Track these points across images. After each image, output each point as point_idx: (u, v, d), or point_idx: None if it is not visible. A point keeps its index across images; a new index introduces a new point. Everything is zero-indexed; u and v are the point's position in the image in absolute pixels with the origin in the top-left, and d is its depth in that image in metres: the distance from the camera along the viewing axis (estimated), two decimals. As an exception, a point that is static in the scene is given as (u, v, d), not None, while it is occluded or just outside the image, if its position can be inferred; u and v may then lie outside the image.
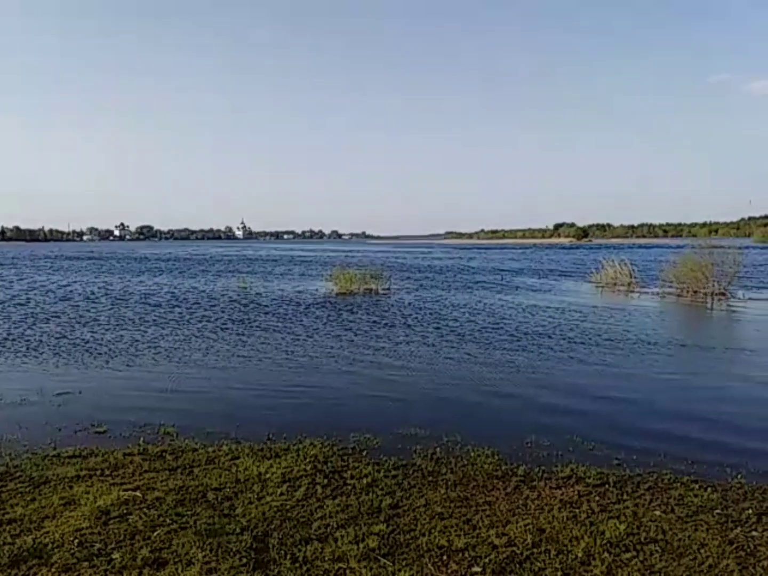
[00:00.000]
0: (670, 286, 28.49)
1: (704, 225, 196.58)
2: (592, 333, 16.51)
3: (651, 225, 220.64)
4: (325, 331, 17.02)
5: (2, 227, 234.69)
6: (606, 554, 4.82)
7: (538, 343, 15.01)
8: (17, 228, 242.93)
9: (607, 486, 6.32)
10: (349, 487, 6.22)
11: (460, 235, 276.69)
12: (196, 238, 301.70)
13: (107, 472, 6.62)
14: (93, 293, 28.79)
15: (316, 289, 29.99)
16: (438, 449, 7.43)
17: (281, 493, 6.01)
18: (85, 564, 4.64)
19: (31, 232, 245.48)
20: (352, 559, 4.73)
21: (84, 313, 21.32)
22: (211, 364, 12.82)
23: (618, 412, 9.43)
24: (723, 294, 26.19)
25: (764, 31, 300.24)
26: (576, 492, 6.14)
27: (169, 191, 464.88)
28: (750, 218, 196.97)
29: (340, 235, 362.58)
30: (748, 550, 4.96)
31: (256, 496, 5.94)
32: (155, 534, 5.13)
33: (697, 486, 6.31)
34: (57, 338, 15.87)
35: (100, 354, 13.77)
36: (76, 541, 4.99)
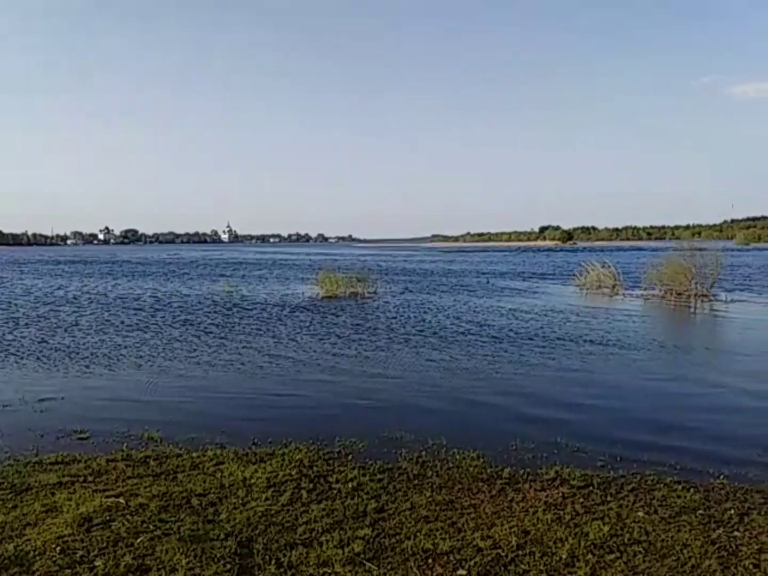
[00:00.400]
0: (654, 289, 28.73)
1: (687, 228, 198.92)
2: (574, 335, 16.60)
3: (635, 228, 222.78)
4: (309, 335, 16.98)
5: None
6: (590, 555, 4.85)
7: (520, 346, 15.08)
8: (0, 232, 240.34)
9: (591, 487, 6.35)
10: (335, 492, 6.20)
11: (447, 238, 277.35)
12: (182, 242, 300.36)
13: (90, 479, 6.56)
14: (75, 297, 28.56)
15: (302, 293, 29.93)
16: (423, 453, 7.43)
17: (266, 498, 5.99)
18: (68, 571, 4.59)
19: (14, 236, 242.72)
20: (337, 563, 4.72)
21: (66, 317, 21.14)
22: (194, 368, 12.75)
23: (602, 414, 9.49)
24: (706, 296, 26.47)
25: (751, 35, 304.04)
26: (560, 494, 6.17)
27: (154, 195, 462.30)
28: (732, 221, 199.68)
29: (326, 239, 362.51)
30: (730, 550, 5.00)
31: (240, 502, 5.91)
32: (138, 540, 5.09)
33: (680, 487, 6.36)
34: (38, 343, 15.73)
35: (83, 359, 13.66)
36: (59, 548, 4.94)
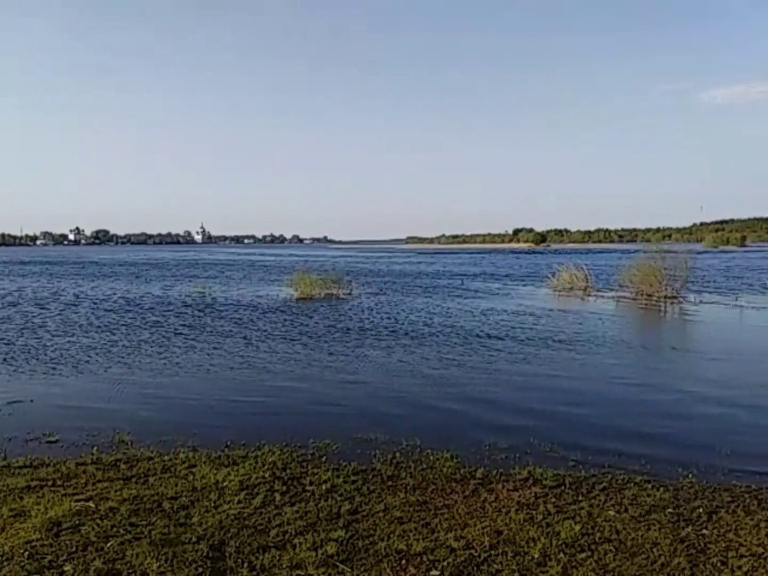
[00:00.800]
0: (625, 290, 29.12)
1: (658, 230, 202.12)
2: (544, 336, 16.77)
3: (607, 230, 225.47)
4: (282, 337, 16.91)
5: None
6: (562, 555, 4.89)
7: (490, 347, 15.20)
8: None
9: (563, 487, 6.41)
10: (308, 494, 6.18)
11: (422, 240, 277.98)
12: (154, 243, 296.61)
13: (59, 483, 6.46)
14: (43, 298, 28.06)
15: (276, 294, 29.78)
16: (397, 454, 7.44)
17: (239, 501, 5.95)
18: (35, 577, 4.51)
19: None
20: (310, 566, 4.70)
21: (33, 319, 20.76)
22: (164, 370, 12.61)
23: (573, 414, 9.58)
24: (675, 297, 26.90)
25: (720, 42, 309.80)
26: (533, 493, 6.22)
27: (127, 194, 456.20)
28: (702, 224, 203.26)
29: (301, 240, 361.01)
30: (699, 548, 5.09)
31: (213, 505, 5.86)
32: (108, 545, 5.02)
33: (649, 486, 6.45)
34: (6, 344, 15.44)
35: (50, 361, 13.43)
36: (27, 553, 4.85)
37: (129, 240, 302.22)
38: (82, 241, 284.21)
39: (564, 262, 35.98)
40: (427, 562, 4.78)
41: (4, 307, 24.18)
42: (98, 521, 5.47)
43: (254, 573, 4.60)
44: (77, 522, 5.45)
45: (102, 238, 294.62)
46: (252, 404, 10.06)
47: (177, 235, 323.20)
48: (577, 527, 5.38)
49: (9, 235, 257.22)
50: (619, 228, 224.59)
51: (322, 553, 4.87)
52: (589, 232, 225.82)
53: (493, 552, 4.94)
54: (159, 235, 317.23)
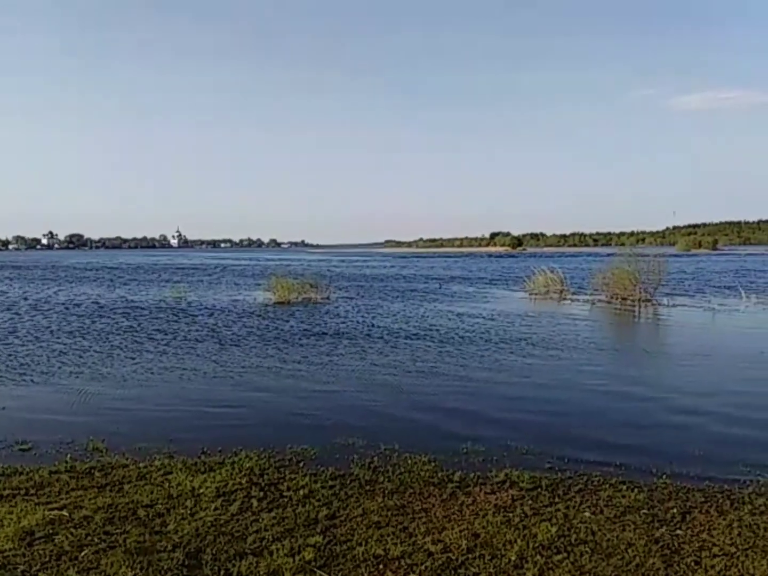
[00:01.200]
0: (600, 294, 29.45)
1: (632, 234, 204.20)
2: (518, 338, 16.94)
3: (582, 234, 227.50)
4: (258, 341, 16.83)
5: None
6: (538, 557, 4.93)
7: (464, 350, 15.32)
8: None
9: (539, 489, 6.46)
10: (286, 500, 6.16)
11: (399, 244, 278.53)
12: (129, 247, 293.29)
13: (32, 491, 6.36)
14: (14, 304, 27.59)
15: (254, 299, 29.63)
16: (375, 458, 7.45)
17: (215, 508, 5.90)
18: (7, 589, 4.44)
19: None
20: (287, 572, 4.68)
21: (3, 324, 20.43)
22: (138, 376, 12.47)
23: (548, 416, 9.66)
24: (649, 300, 27.27)
25: (690, 48, 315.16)
26: (510, 496, 6.26)
27: (101, 198, 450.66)
28: (674, 228, 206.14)
29: (278, 244, 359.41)
30: (673, 548, 5.16)
31: (189, 512, 5.81)
32: (83, 554, 4.96)
33: (624, 487, 6.53)
34: (-23, 352, 15.15)
35: (21, 367, 13.22)
36: (-2, 564, 4.77)
37: (103, 244, 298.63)
38: (56, 246, 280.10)
39: (540, 265, 36.28)
40: (405, 567, 4.78)
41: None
42: (72, 530, 5.39)
43: (231, 580, 4.57)
44: (51, 531, 5.37)
45: (76, 242, 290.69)
46: (228, 410, 9.99)
47: (152, 240, 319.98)
48: (554, 529, 5.42)
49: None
50: (594, 232, 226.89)
51: (300, 559, 4.85)
52: (564, 236, 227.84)
53: (470, 555, 4.96)
54: (134, 239, 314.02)
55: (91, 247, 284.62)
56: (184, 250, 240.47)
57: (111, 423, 9.16)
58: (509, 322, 20.53)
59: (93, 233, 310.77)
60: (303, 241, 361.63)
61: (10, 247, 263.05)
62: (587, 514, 5.82)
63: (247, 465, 7.11)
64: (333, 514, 5.80)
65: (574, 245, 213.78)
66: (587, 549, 5.09)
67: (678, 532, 5.47)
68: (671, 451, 7.81)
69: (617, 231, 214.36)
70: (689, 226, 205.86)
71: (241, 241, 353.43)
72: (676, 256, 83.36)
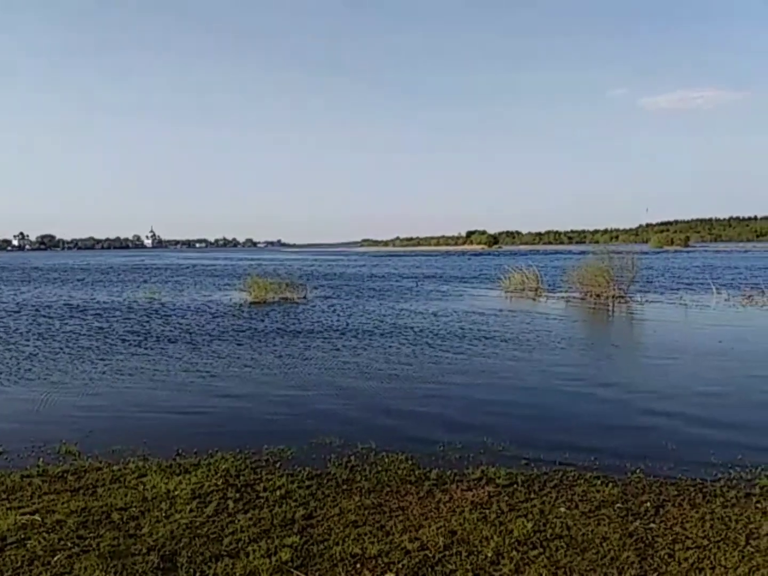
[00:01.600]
0: (575, 291, 29.74)
1: (606, 232, 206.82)
2: (492, 336, 17.07)
3: (557, 232, 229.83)
4: (231, 342, 16.73)
5: None
6: (514, 552, 4.96)
7: (437, 348, 15.42)
8: None
9: (515, 485, 6.51)
10: (262, 500, 6.12)
11: (376, 243, 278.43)
12: (103, 248, 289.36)
13: (3, 496, 6.25)
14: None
15: (229, 299, 29.42)
16: (353, 457, 7.44)
17: (191, 510, 5.85)
18: (-24, 596, 4.36)
19: None
20: (264, 573, 4.66)
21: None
22: (110, 378, 12.31)
23: (523, 412, 9.76)
24: (623, 297, 27.60)
25: (659, 49, 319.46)
26: (486, 493, 6.29)
27: (73, 198, 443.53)
28: (647, 225, 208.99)
29: (254, 243, 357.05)
30: (647, 541, 5.22)
31: (163, 515, 5.75)
32: (55, 559, 4.88)
33: (599, 482, 6.60)
34: (-55, 355, 14.83)
35: (-6, 371, 12.97)
36: (-34, 572, 4.68)
37: (76, 245, 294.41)
38: (27, 247, 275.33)
39: (516, 263, 36.53)
40: (382, 565, 4.79)
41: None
42: (45, 535, 5.31)
43: (207, 582, 4.53)
44: (23, 536, 5.29)
45: (48, 243, 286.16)
46: (203, 411, 9.91)
47: (126, 240, 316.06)
48: (530, 525, 5.46)
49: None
50: (569, 230, 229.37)
51: (276, 560, 4.83)
52: (539, 234, 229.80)
53: (447, 552, 4.98)
54: (107, 239, 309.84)
55: (63, 248, 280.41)
56: (159, 251, 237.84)
57: (83, 426, 9.03)
58: (483, 320, 20.66)
59: (65, 234, 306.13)
60: (279, 241, 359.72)
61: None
62: (562, 509, 5.88)
63: (223, 466, 7.06)
64: (310, 513, 5.78)
65: (549, 243, 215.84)
66: (563, 544, 5.13)
67: (652, 525, 5.55)
68: (645, 446, 7.91)
69: (591, 229, 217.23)
70: (662, 223, 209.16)
71: (217, 240, 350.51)
72: (649, 253, 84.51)
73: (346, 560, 4.86)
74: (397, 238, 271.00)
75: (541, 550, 5.03)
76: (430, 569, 4.73)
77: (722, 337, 16.82)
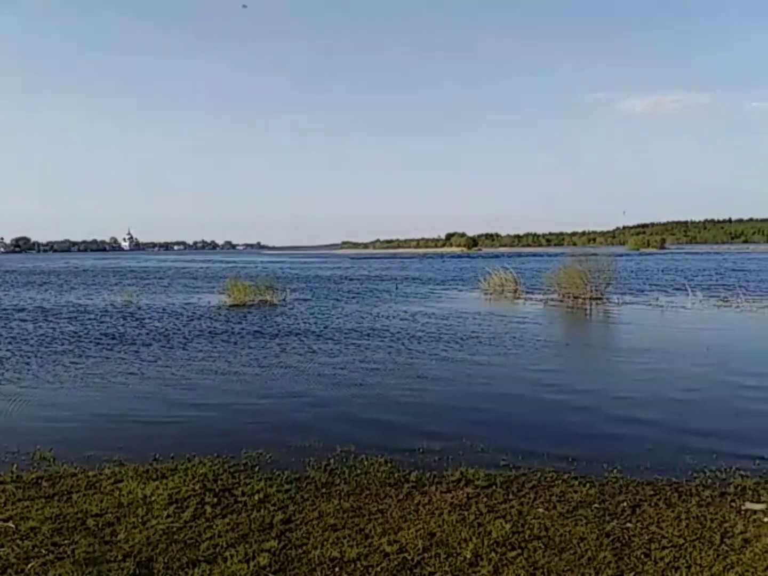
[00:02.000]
0: (553, 292, 29.97)
1: (583, 234, 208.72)
2: (470, 338, 17.19)
3: (535, 234, 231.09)
4: (208, 344, 16.65)
5: None
6: (493, 554, 4.98)
7: (413, 349, 15.56)
8: None
9: (494, 487, 6.53)
10: (240, 505, 6.08)
11: (356, 245, 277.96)
12: (79, 250, 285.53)
13: (-25, 504, 6.14)
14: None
15: (208, 302, 29.19)
16: (332, 460, 7.42)
17: (167, 516, 5.79)
18: (-54, 606, 4.27)
19: None
20: (242, 578, 4.62)
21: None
22: (84, 382, 12.17)
23: (502, 412, 9.83)
24: (600, 299, 27.87)
25: (640, 53, 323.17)
26: (465, 494, 6.31)
27: (48, 200, 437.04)
28: (624, 227, 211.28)
29: (234, 246, 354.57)
30: (624, 541, 5.27)
31: (140, 520, 5.68)
32: (30, 566, 4.81)
33: (576, 482, 6.64)
34: None
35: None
36: (-64, 581, 4.58)
37: (52, 248, 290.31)
38: (1, 250, 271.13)
39: (495, 265, 36.73)
40: (361, 569, 4.77)
41: None
42: (18, 542, 5.23)
43: (184, 589, 4.48)
44: (-6, 544, 5.19)
45: (23, 246, 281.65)
46: (179, 415, 9.83)
47: (103, 242, 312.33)
48: (508, 526, 5.49)
49: None
50: (547, 232, 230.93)
51: (255, 565, 4.80)
52: (518, 236, 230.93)
53: (426, 554, 4.98)
54: (84, 242, 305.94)
55: (38, 251, 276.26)
56: (136, 253, 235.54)
57: (58, 431, 8.91)
58: (460, 322, 20.77)
59: (40, 236, 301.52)
60: (259, 243, 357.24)
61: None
62: (541, 510, 5.91)
63: (201, 471, 7.00)
64: (288, 518, 5.75)
65: (528, 245, 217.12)
66: (541, 544, 5.16)
67: (628, 525, 5.60)
68: (621, 446, 7.99)
69: (569, 231, 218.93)
70: (638, 225, 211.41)
71: (195, 243, 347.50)
72: (625, 255, 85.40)
73: (325, 564, 4.84)
74: (377, 240, 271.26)
75: (520, 551, 5.05)
76: (408, 572, 4.72)
77: (698, 339, 17.06)
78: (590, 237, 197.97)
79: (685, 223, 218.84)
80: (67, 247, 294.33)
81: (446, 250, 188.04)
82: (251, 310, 25.13)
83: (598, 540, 5.25)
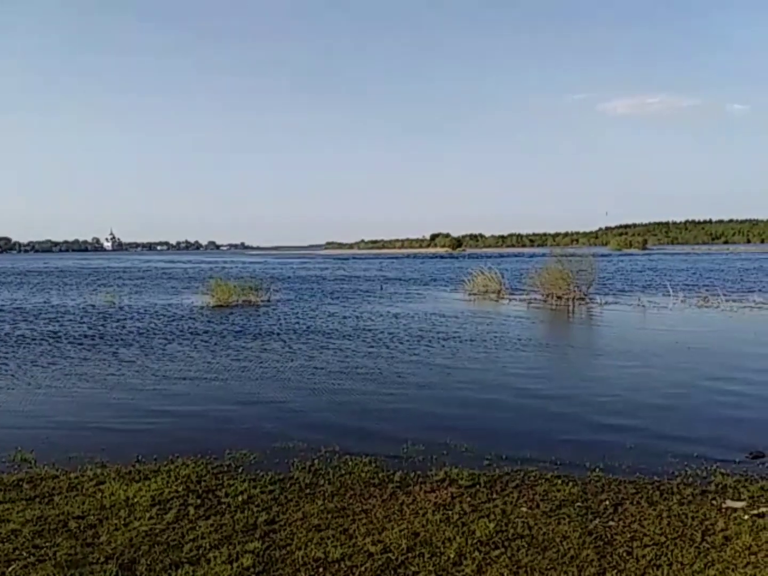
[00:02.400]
0: (537, 293, 30.12)
1: (566, 235, 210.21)
2: (452, 337, 17.25)
3: (519, 235, 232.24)
4: (189, 345, 16.58)
5: None
6: (477, 553, 5.00)
7: (394, 350, 15.59)
8: None
9: (478, 486, 6.56)
10: (224, 506, 6.05)
11: (341, 246, 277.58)
12: (60, 251, 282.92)
13: (-47, 507, 6.06)
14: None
15: (191, 302, 29.03)
16: (316, 461, 7.41)
17: (150, 517, 5.75)
18: (-76, 611, 4.21)
19: None
20: (225, 579, 4.60)
21: None
22: (65, 383, 12.06)
23: (484, 412, 9.85)
24: (583, 299, 28.06)
25: (621, 54, 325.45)
26: (449, 494, 6.33)
27: (29, 200, 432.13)
28: (607, 228, 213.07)
29: (217, 246, 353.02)
30: (606, 539, 5.31)
31: (122, 522, 5.64)
32: (10, 569, 4.76)
33: (559, 481, 6.68)
34: None
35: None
36: None
37: (33, 248, 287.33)
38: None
39: (479, 265, 36.85)
40: (345, 569, 4.77)
41: None
42: (-2, 545, 5.17)
43: (167, 590, 4.46)
44: (-26, 548, 5.13)
45: (3, 246, 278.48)
46: (162, 416, 9.76)
47: (85, 243, 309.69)
48: (492, 525, 5.51)
49: None
50: (531, 233, 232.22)
51: (238, 566, 4.78)
52: (503, 237, 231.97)
53: (410, 554, 4.99)
54: (66, 242, 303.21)
55: (19, 251, 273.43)
56: (118, 253, 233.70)
57: (39, 433, 8.81)
58: (443, 322, 20.85)
59: (21, 237, 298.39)
60: (243, 244, 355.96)
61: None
62: (524, 509, 5.94)
63: (184, 472, 6.96)
64: (272, 518, 5.74)
65: (512, 245, 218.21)
66: (524, 543, 5.19)
67: (611, 523, 5.64)
68: (603, 446, 8.05)
69: (553, 232, 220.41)
70: (621, 226, 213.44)
71: (179, 243, 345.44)
72: (608, 255, 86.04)
73: (309, 565, 4.83)
74: (362, 240, 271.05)
75: (503, 550, 5.07)
76: (393, 572, 4.73)
77: (679, 339, 17.23)
78: (573, 237, 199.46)
79: (667, 224, 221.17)
80: (48, 248, 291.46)
81: (431, 250, 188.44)
82: (237, 311, 25.03)
83: (581, 538, 5.29)
